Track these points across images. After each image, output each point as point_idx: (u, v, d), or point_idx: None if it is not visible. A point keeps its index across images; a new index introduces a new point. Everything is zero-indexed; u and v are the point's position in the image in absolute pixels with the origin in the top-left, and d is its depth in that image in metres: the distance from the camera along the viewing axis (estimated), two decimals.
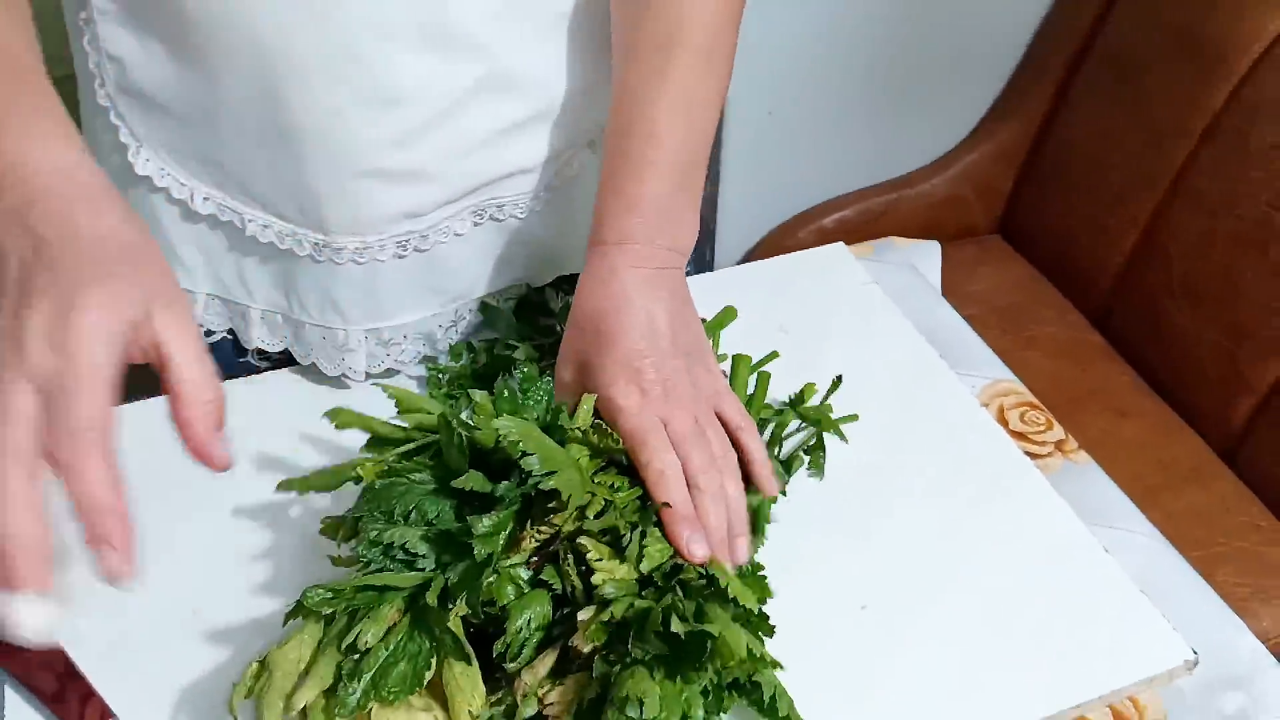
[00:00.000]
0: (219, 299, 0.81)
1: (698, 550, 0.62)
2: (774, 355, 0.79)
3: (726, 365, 0.78)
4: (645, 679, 0.56)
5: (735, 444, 0.68)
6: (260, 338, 0.82)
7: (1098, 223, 1.48)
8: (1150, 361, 1.44)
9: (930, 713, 0.64)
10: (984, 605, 0.69)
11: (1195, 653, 0.67)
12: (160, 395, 0.53)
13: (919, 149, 1.65)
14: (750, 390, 0.77)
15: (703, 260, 1.61)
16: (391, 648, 0.56)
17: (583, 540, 0.60)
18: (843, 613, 0.69)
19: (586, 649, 0.57)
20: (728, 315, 0.82)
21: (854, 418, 0.77)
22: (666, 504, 0.62)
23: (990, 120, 1.65)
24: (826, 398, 0.77)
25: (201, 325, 0.81)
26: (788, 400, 0.78)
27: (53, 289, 0.49)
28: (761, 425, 0.76)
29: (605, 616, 0.58)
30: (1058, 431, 0.84)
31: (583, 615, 0.58)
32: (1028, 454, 0.80)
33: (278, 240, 0.76)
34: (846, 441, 0.76)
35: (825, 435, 0.77)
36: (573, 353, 0.69)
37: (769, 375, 0.78)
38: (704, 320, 0.79)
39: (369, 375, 0.82)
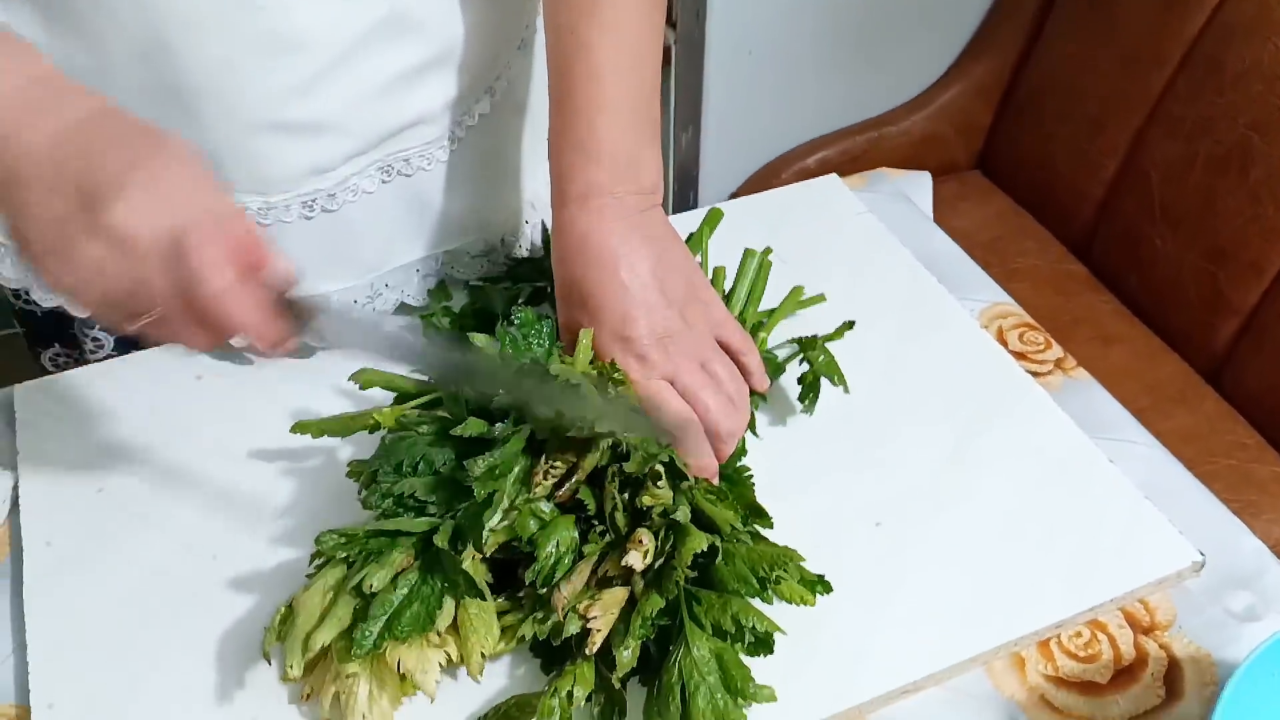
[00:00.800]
0: None
1: (707, 465, 0.65)
2: (766, 256, 0.80)
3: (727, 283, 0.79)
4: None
5: (736, 365, 0.70)
6: None
7: (1077, 152, 1.50)
8: (1133, 288, 1.46)
9: (947, 623, 0.65)
10: (995, 518, 0.71)
11: (1202, 554, 0.68)
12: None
13: (899, 87, 1.65)
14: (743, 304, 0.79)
15: (687, 205, 1.61)
16: (405, 590, 0.57)
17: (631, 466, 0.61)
18: (856, 530, 0.70)
19: (641, 565, 0.57)
20: (714, 216, 0.82)
21: (841, 329, 0.78)
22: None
23: (967, 56, 1.65)
24: (831, 339, 0.77)
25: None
26: (797, 341, 0.78)
27: None
28: (755, 331, 0.78)
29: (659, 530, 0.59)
30: (1056, 350, 0.85)
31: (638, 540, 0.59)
32: (1029, 373, 0.81)
33: None
34: (848, 392, 0.76)
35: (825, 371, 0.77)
36: (566, 326, 0.69)
37: (769, 266, 0.81)
38: (692, 234, 0.80)
39: None
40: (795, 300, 0.81)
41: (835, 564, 0.67)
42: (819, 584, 0.63)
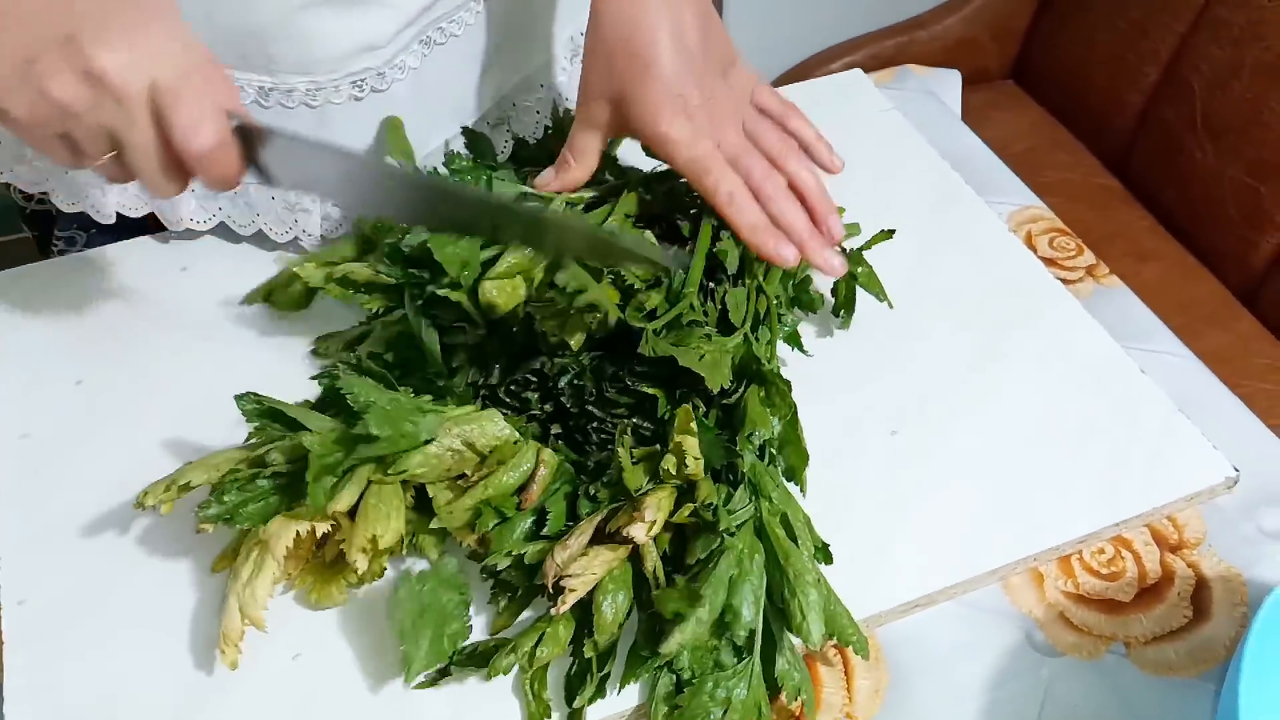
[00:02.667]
0: None
1: (788, 253, 0.63)
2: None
3: None
4: None
5: (785, 130, 0.69)
6: (189, 214, 0.76)
7: (1117, 59, 1.42)
8: (1169, 203, 1.40)
9: (964, 535, 0.62)
10: (1021, 428, 0.67)
11: (1236, 470, 0.64)
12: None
13: None
14: None
15: None
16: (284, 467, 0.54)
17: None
18: (873, 438, 0.66)
19: (644, 538, 0.53)
20: None
21: (879, 236, 0.72)
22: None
23: None
24: (868, 247, 0.72)
25: (121, 206, 0.76)
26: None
27: None
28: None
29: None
30: (1088, 256, 0.81)
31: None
32: (1059, 279, 0.77)
33: None
34: (892, 308, 0.72)
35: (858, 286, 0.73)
36: (603, 86, 0.65)
37: None
38: None
39: (324, 239, 0.77)
40: None
41: (852, 473, 0.64)
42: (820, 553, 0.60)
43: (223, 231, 0.78)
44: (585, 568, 0.53)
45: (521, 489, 0.55)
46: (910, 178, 0.84)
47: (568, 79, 0.87)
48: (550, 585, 0.52)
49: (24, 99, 0.49)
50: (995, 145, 1.49)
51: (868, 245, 0.72)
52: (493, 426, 0.55)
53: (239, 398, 0.55)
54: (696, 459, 0.54)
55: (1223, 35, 1.32)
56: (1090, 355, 0.71)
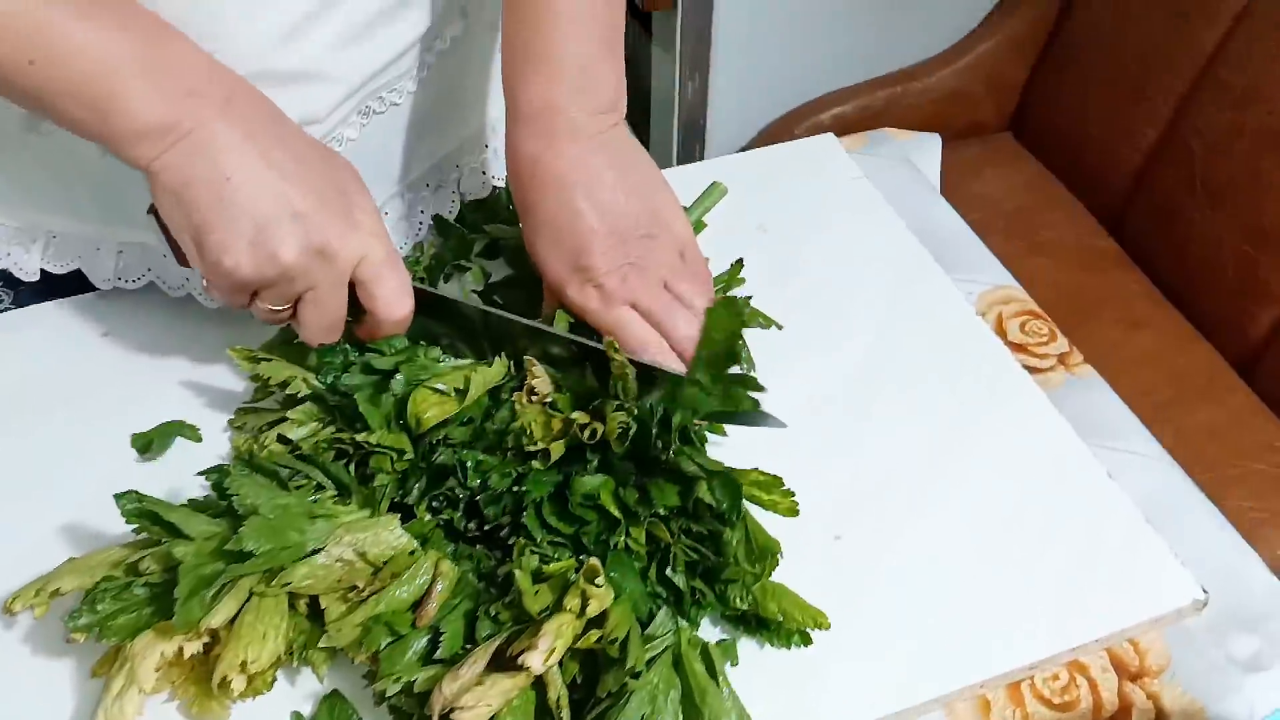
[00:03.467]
0: (61, 235, 0.71)
1: (651, 349, 0.62)
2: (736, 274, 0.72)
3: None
4: None
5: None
6: (117, 273, 0.72)
7: (1115, 117, 1.38)
8: (1166, 268, 1.35)
9: (906, 656, 0.57)
10: (972, 534, 0.62)
11: (1205, 591, 0.60)
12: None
13: (925, 39, 1.53)
14: None
15: (692, 157, 1.51)
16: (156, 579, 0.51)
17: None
18: (813, 541, 0.62)
19: (541, 668, 0.48)
20: (715, 192, 0.74)
21: (735, 267, 0.71)
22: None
23: (1002, 7, 1.52)
24: (726, 282, 0.70)
25: (45, 263, 0.72)
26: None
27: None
28: None
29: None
30: (1061, 343, 0.76)
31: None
32: (1028, 367, 0.72)
33: None
34: (780, 328, 0.69)
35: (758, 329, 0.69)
36: (531, 247, 0.65)
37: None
38: (686, 208, 0.71)
39: None
40: (714, 197, 0.74)
41: (787, 580, 0.59)
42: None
43: (148, 294, 0.74)
44: (480, 698, 0.48)
45: (417, 604, 0.51)
46: (875, 251, 0.80)
47: None
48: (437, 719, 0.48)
49: (252, 259, 0.54)
50: (987, 201, 1.46)
51: (724, 279, 0.71)
52: (389, 535, 0.51)
53: (118, 496, 0.51)
54: (600, 599, 0.50)
55: (1224, 97, 1.27)
56: (1054, 455, 0.67)
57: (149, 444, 0.65)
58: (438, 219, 0.78)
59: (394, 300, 0.59)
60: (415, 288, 0.60)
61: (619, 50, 0.67)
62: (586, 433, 0.55)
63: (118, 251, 0.72)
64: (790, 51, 1.46)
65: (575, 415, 0.56)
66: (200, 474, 0.56)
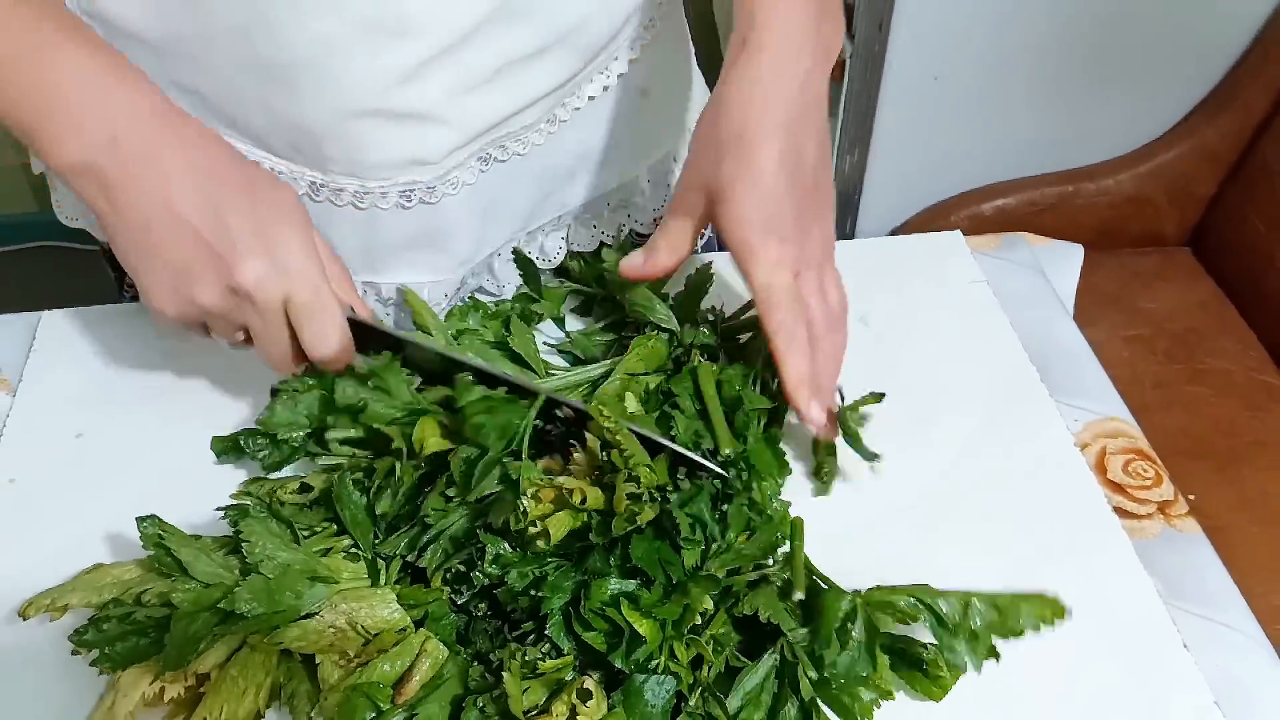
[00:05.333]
0: None
1: (818, 417, 0.62)
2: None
3: None
4: None
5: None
6: None
7: None
8: None
9: None
10: (1033, 684, 0.58)
11: None
12: None
13: (1107, 139, 1.45)
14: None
15: (843, 233, 1.48)
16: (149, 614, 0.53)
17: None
18: None
19: None
20: None
21: (866, 399, 0.67)
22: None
23: (1198, 115, 1.43)
24: (854, 408, 0.66)
25: None
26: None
27: None
28: None
29: None
30: (1166, 490, 0.70)
31: None
32: (1123, 511, 0.67)
33: None
34: (877, 459, 0.66)
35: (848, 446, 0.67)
36: (706, 176, 0.62)
37: None
38: None
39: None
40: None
41: None
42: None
43: None
44: None
45: (400, 681, 0.51)
46: (979, 361, 0.76)
47: (643, 201, 0.83)
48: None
49: (175, 303, 0.58)
50: (1154, 319, 1.37)
51: (855, 406, 0.66)
52: (383, 609, 0.51)
53: (140, 520, 0.54)
54: (589, 716, 0.48)
55: None
56: (1130, 612, 0.61)
57: (225, 449, 0.68)
58: (523, 261, 0.77)
59: (318, 341, 0.59)
60: (367, 325, 0.61)
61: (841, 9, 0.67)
62: (577, 497, 0.53)
63: None
64: (957, 136, 1.41)
65: (563, 480, 0.55)
66: (219, 509, 0.58)
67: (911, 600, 0.55)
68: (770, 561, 0.59)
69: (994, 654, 0.56)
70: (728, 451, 0.60)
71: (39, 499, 0.67)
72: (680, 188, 0.64)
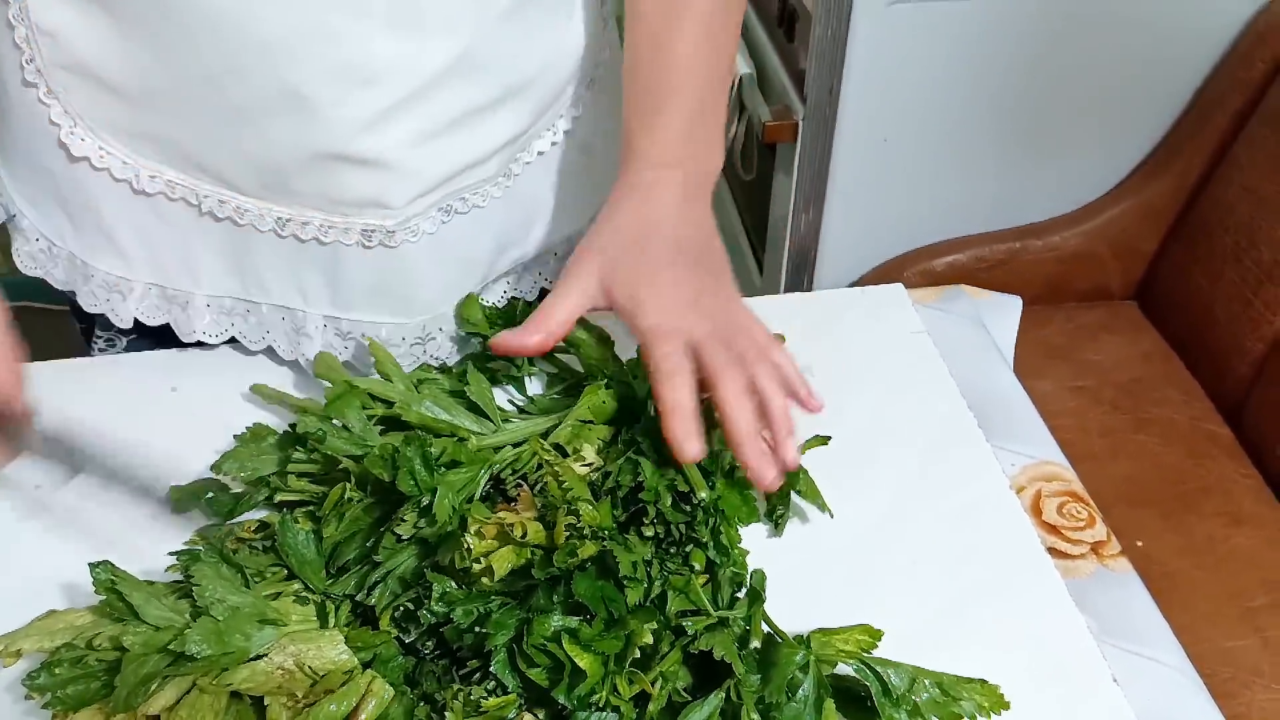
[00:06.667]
0: (158, 288, 0.77)
1: (689, 447, 0.60)
2: None
3: None
4: None
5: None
6: (203, 328, 0.78)
7: (1242, 301, 1.32)
8: None
9: None
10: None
11: None
12: None
13: (1053, 196, 1.50)
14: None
15: (799, 287, 1.52)
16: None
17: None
18: None
19: None
20: None
21: (813, 441, 0.70)
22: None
23: (1140, 173, 1.49)
24: (803, 451, 0.68)
25: (139, 314, 0.78)
26: None
27: None
28: None
29: None
30: (1099, 530, 0.73)
31: None
32: (1057, 551, 0.70)
33: (236, 216, 0.72)
34: (828, 513, 0.68)
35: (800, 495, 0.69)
36: (602, 267, 0.67)
37: None
38: None
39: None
40: None
41: None
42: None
43: (223, 354, 0.80)
44: None
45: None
46: (919, 408, 0.78)
47: None
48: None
49: None
50: (1100, 369, 1.41)
51: (801, 450, 0.68)
52: (331, 650, 0.53)
53: (92, 565, 0.55)
54: None
55: None
56: (1060, 648, 0.63)
57: (181, 498, 0.69)
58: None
59: None
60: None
61: (724, 125, 0.74)
62: (518, 531, 0.55)
63: (205, 305, 0.78)
64: (908, 195, 1.46)
65: (505, 515, 0.56)
66: (171, 554, 0.60)
67: (861, 665, 0.57)
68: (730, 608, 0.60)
69: None
70: (702, 495, 0.62)
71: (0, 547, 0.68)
72: (572, 272, 0.67)
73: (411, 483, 0.58)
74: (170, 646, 0.51)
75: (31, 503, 0.70)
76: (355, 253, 0.73)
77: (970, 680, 0.58)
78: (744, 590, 0.62)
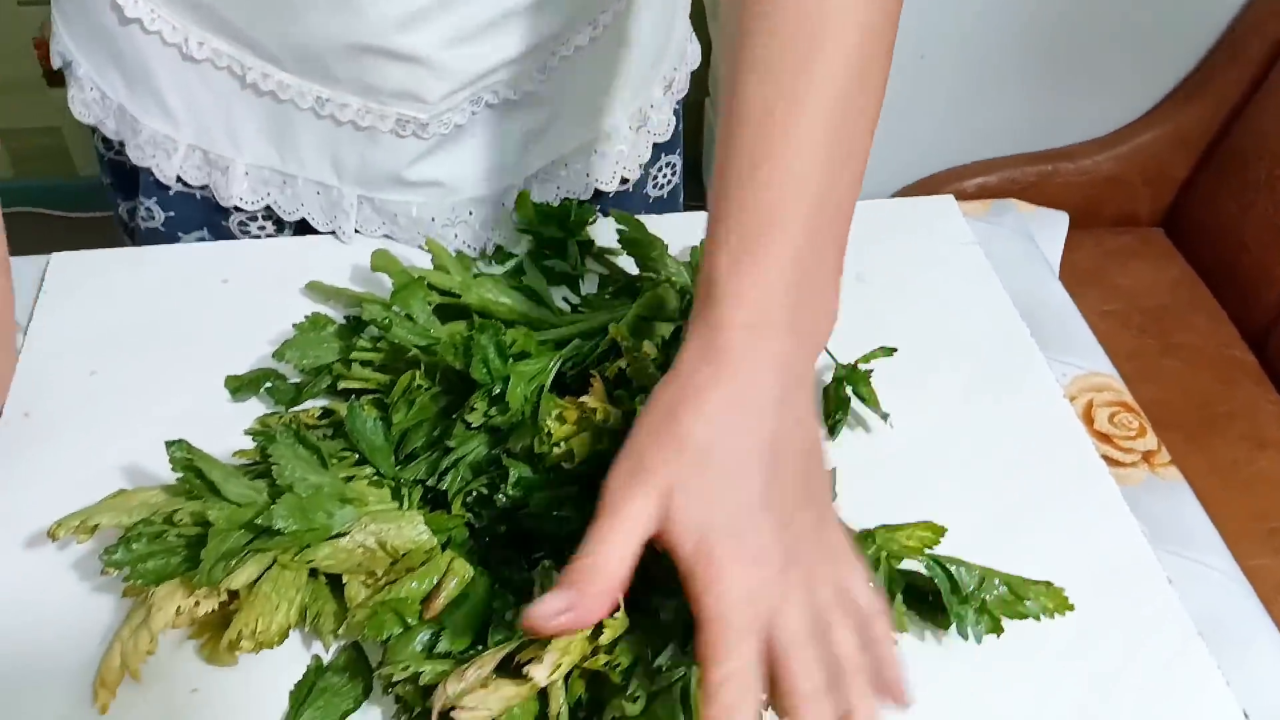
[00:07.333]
0: (200, 151, 0.78)
1: None
2: None
3: None
4: None
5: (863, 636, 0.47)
6: (240, 194, 0.79)
7: (1272, 230, 1.32)
8: None
9: None
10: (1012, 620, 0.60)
11: (1246, 716, 0.57)
12: None
13: (1086, 121, 1.49)
14: None
15: None
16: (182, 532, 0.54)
17: None
18: None
19: (545, 679, 0.48)
20: None
21: (876, 352, 0.69)
22: None
23: (1174, 99, 1.48)
24: (865, 360, 0.68)
25: (179, 178, 0.80)
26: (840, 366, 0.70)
27: None
28: None
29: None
30: (1150, 440, 0.73)
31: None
32: (1109, 459, 0.70)
33: (278, 91, 0.74)
34: (888, 421, 0.68)
35: (857, 400, 0.69)
36: (653, 467, 0.45)
37: None
38: None
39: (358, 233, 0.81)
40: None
41: None
42: None
43: (271, 249, 0.80)
44: (480, 701, 0.49)
45: (428, 598, 0.53)
46: (972, 318, 0.78)
47: (628, 149, 0.86)
48: (436, 717, 0.49)
49: None
50: (1128, 295, 1.41)
51: (866, 359, 0.69)
52: (411, 530, 0.53)
53: (169, 444, 0.55)
54: (614, 627, 0.50)
55: None
56: (1115, 551, 0.64)
57: (240, 387, 0.69)
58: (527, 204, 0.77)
59: None
60: None
61: (841, 266, 0.52)
62: (600, 415, 0.55)
63: (244, 173, 0.79)
64: (942, 114, 1.44)
65: (586, 399, 0.56)
66: (247, 433, 0.60)
67: (932, 563, 0.57)
68: None
69: (999, 630, 0.57)
70: None
71: (56, 432, 0.68)
72: (616, 497, 0.45)
73: (484, 370, 0.58)
74: (257, 521, 0.52)
75: (91, 388, 0.70)
76: (390, 139, 0.75)
77: (1036, 582, 0.58)
78: None
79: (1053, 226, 0.93)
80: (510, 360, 0.59)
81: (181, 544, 0.54)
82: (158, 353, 0.73)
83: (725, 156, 0.50)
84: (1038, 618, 0.58)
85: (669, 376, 0.48)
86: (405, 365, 0.62)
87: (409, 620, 0.52)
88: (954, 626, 0.58)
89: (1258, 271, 1.34)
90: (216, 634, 0.54)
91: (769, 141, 0.49)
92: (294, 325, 0.68)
